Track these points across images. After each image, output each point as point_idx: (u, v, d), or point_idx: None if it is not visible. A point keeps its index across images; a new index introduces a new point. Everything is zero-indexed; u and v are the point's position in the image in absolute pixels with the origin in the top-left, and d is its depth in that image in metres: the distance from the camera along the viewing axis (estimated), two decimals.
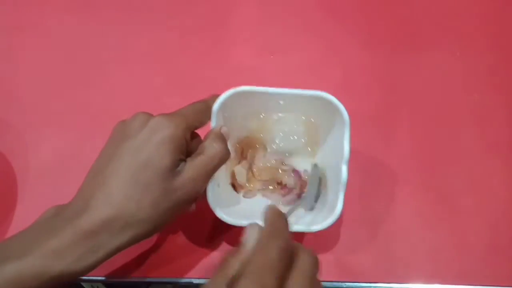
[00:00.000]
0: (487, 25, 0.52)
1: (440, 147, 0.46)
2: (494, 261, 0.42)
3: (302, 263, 0.26)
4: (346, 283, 0.41)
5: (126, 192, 0.30)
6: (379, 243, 0.42)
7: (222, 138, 0.35)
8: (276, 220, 0.28)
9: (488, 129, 0.47)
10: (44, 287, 0.29)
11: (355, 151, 0.44)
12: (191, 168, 0.32)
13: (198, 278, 0.41)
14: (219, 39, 0.52)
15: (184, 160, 0.33)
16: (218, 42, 0.52)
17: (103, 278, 0.41)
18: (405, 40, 0.51)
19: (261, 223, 0.28)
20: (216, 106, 0.36)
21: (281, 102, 0.40)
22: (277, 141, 0.42)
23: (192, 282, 0.41)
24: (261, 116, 0.41)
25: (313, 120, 0.41)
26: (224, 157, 0.34)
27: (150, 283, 0.42)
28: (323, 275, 0.41)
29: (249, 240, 0.26)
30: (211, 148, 0.34)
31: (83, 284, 0.44)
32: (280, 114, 0.41)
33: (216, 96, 0.37)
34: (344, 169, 0.36)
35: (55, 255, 0.29)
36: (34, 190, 0.45)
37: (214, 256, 0.41)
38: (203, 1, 0.54)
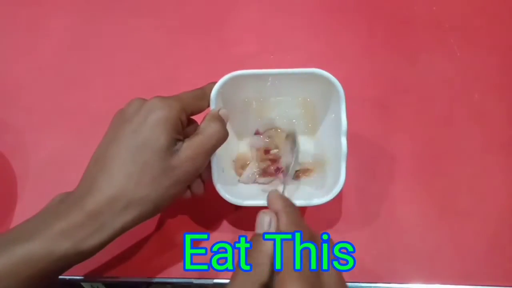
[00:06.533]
0: (487, 25, 0.52)
1: (440, 147, 0.46)
2: (494, 261, 0.42)
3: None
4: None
5: (126, 172, 0.31)
6: (379, 243, 0.42)
7: (220, 119, 0.36)
8: (290, 210, 0.30)
9: (488, 128, 0.47)
10: (52, 267, 0.30)
11: (356, 151, 0.45)
12: (189, 147, 0.33)
13: (198, 279, 0.41)
14: (220, 39, 0.52)
15: (182, 140, 0.34)
16: (219, 42, 0.52)
17: (103, 278, 0.41)
18: (405, 39, 0.51)
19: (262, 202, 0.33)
20: (214, 91, 0.38)
21: (277, 82, 0.40)
22: (277, 125, 0.43)
23: (192, 282, 0.41)
24: (260, 101, 0.42)
25: (309, 100, 0.42)
26: (222, 137, 0.35)
27: (149, 283, 0.42)
28: None
29: (262, 226, 0.29)
30: (208, 128, 0.35)
31: (83, 284, 0.43)
32: (277, 98, 0.42)
33: (213, 84, 0.38)
34: (343, 140, 0.37)
35: (62, 236, 0.30)
36: (34, 189, 0.45)
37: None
38: (204, 0, 0.54)
